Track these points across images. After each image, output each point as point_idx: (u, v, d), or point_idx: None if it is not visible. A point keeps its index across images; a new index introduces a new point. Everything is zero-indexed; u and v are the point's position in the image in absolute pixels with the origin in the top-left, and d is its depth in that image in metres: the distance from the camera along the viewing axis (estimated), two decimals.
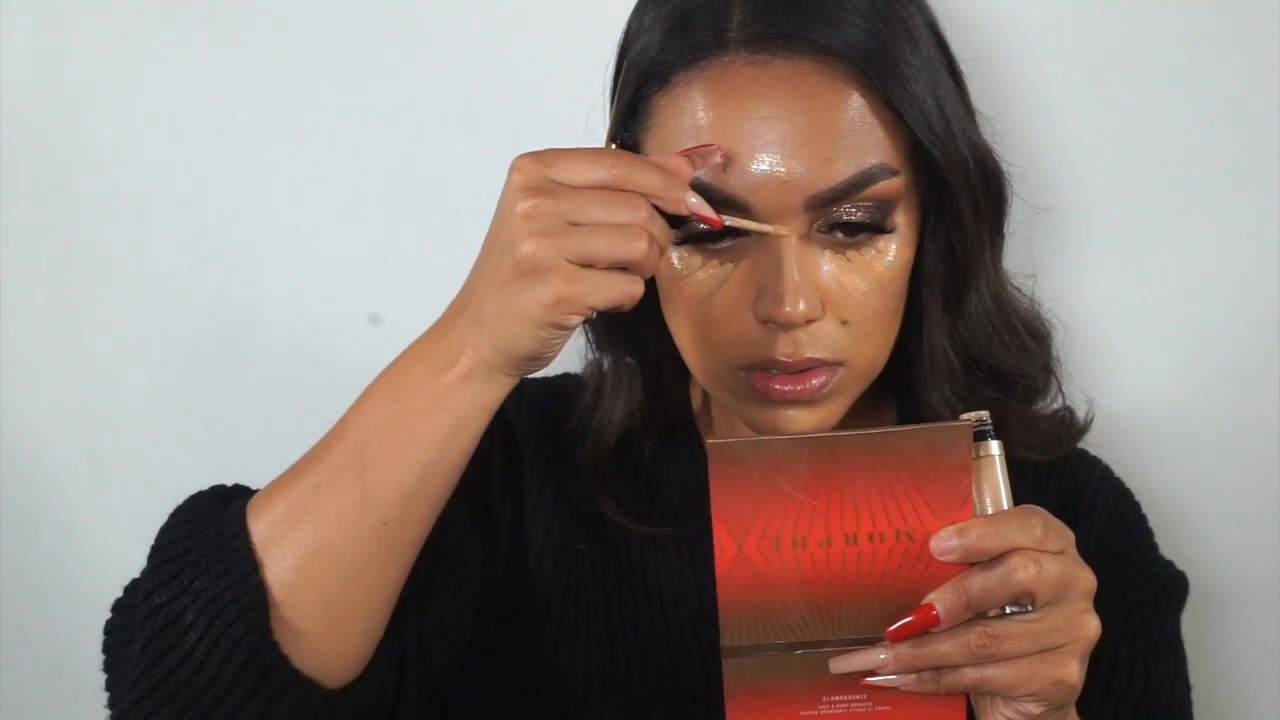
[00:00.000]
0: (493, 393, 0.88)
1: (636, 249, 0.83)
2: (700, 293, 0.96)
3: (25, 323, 1.33)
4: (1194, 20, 1.21)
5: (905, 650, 0.81)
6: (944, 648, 0.81)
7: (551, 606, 1.06)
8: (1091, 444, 1.11)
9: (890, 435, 0.80)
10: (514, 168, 0.85)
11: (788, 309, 0.92)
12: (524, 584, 1.06)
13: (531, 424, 1.10)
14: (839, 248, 0.94)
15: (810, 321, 0.94)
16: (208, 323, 1.33)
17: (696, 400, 1.12)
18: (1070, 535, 0.83)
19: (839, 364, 0.96)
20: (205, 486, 1.34)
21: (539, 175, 0.84)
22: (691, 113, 0.94)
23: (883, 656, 0.82)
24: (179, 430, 1.34)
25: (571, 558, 1.07)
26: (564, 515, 1.08)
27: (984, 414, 0.83)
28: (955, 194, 0.96)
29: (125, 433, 1.35)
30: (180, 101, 1.30)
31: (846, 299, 0.95)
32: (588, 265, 0.83)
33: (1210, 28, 1.21)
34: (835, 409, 0.98)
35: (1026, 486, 1.03)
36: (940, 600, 0.80)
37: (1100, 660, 0.86)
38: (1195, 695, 1.06)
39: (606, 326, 1.08)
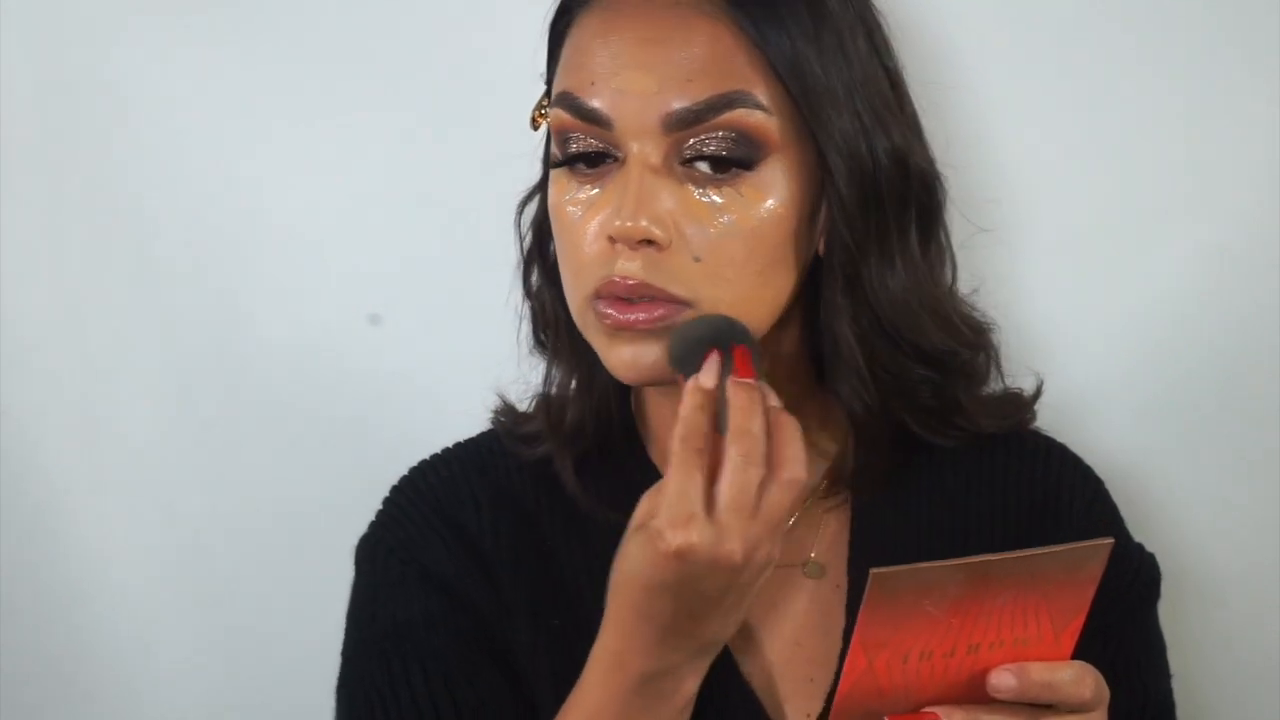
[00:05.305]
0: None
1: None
2: (573, 219, 0.96)
3: (25, 322, 1.32)
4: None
5: None
6: None
7: (542, 688, 1.01)
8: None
9: (1040, 557, 0.81)
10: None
11: (626, 223, 0.92)
12: (522, 677, 1.02)
13: (483, 515, 1.05)
14: (702, 182, 0.94)
15: (652, 245, 0.93)
16: (207, 322, 1.32)
17: (634, 403, 1.09)
18: (1106, 695, 0.86)
19: (686, 304, 0.94)
20: (204, 488, 1.36)
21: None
22: (582, 36, 0.97)
23: None
24: (178, 430, 1.33)
25: (550, 634, 1.03)
26: (536, 594, 1.03)
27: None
28: (830, 161, 0.96)
29: (125, 432, 1.34)
30: (180, 101, 1.29)
31: (701, 234, 0.93)
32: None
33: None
34: None
35: (1001, 492, 1.05)
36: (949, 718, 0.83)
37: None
38: (1177, 683, 1.07)
39: (553, 344, 1.07)
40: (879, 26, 1.01)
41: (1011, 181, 1.22)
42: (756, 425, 0.84)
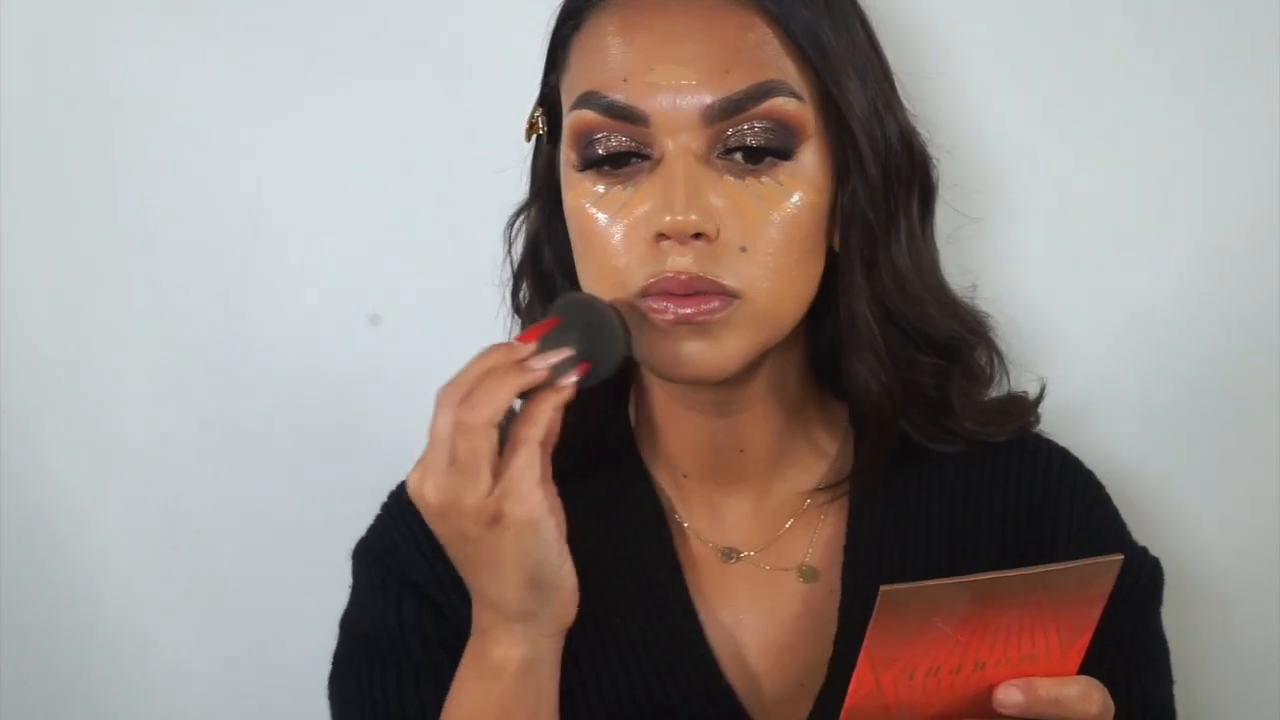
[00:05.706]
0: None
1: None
2: (601, 223, 0.95)
3: (25, 322, 1.33)
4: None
5: None
6: None
7: None
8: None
9: (1049, 574, 0.80)
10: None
11: (679, 216, 0.92)
12: None
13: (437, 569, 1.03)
14: (740, 173, 0.94)
15: (702, 238, 0.93)
16: (207, 322, 1.32)
17: (634, 417, 1.08)
18: (1112, 710, 0.85)
19: (736, 295, 0.93)
20: (204, 488, 1.36)
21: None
22: (599, 36, 0.96)
23: None
24: (178, 430, 1.34)
25: None
26: None
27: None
28: (859, 141, 0.96)
29: (125, 432, 1.34)
30: (180, 101, 1.29)
31: (744, 224, 0.93)
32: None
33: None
34: (736, 348, 0.95)
35: (1000, 496, 1.04)
36: None
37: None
38: (1179, 686, 1.07)
39: None
40: (866, 16, 1.02)
41: (1010, 182, 1.23)
42: (466, 376, 0.88)
